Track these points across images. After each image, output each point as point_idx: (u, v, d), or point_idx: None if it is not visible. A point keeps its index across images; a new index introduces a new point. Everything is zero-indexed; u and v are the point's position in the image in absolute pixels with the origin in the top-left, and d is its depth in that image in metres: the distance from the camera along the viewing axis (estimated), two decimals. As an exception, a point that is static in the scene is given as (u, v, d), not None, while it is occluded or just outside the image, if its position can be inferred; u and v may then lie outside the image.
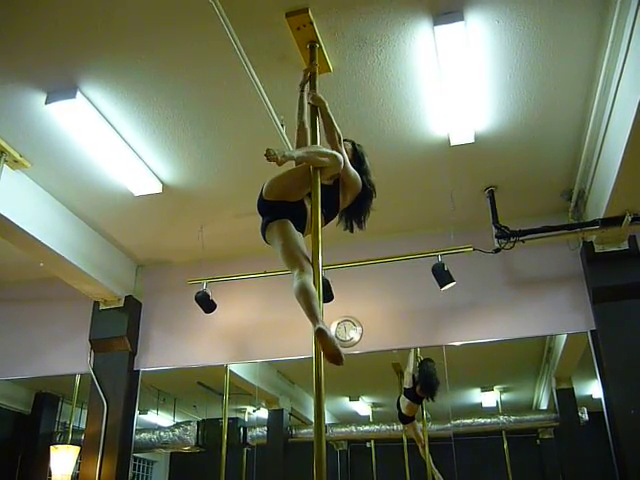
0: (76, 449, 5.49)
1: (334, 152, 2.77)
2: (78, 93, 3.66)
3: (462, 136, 4.09)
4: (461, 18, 3.16)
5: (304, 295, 2.44)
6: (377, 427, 6.14)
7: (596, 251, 4.68)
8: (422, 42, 3.34)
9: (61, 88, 3.66)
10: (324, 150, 2.78)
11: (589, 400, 5.53)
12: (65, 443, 5.91)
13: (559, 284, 4.93)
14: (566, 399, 5.57)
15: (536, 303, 4.92)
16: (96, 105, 3.80)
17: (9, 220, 4.35)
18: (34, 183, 4.64)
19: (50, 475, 5.48)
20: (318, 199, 2.68)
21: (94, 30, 3.27)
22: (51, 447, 5.52)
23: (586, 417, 5.56)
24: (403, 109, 3.88)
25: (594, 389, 5.13)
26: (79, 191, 4.76)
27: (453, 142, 4.14)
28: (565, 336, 5.13)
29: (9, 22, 3.19)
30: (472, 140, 4.12)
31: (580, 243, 4.78)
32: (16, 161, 4.29)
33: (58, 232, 4.87)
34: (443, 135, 4.11)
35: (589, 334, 4.76)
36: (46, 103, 3.72)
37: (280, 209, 2.72)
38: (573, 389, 5.55)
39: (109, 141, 4.09)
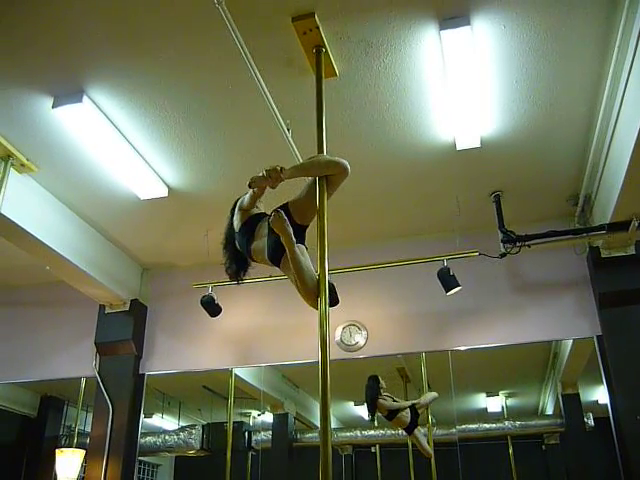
0: (81, 452, 5.50)
1: (336, 159, 2.76)
2: (84, 97, 3.67)
3: (468, 140, 4.09)
4: (467, 23, 3.16)
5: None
6: (382, 432, 6.12)
7: (602, 256, 4.67)
8: (428, 46, 3.34)
9: (68, 92, 3.67)
10: (325, 159, 2.80)
11: (595, 405, 5.51)
12: (70, 446, 5.92)
13: (565, 289, 4.92)
14: (572, 404, 5.55)
15: (542, 308, 4.91)
16: (102, 109, 3.81)
17: (16, 224, 4.36)
18: (41, 187, 4.66)
19: (55, 478, 5.48)
20: (324, 208, 2.71)
21: (100, 35, 3.29)
22: (56, 450, 5.53)
23: (592, 423, 5.54)
24: (409, 113, 3.88)
25: (600, 394, 5.12)
26: (85, 195, 4.77)
27: (459, 146, 4.14)
28: (571, 341, 5.12)
29: (16, 27, 3.21)
30: (478, 145, 4.12)
31: (586, 248, 4.77)
32: (23, 165, 4.31)
33: (64, 236, 4.88)
34: (449, 139, 4.11)
35: (595, 339, 4.74)
36: (53, 107, 3.74)
37: (303, 232, 2.81)
38: (579, 394, 5.54)
39: (115, 145, 4.11)
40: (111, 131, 3.97)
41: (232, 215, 3.04)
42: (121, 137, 4.05)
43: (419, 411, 5.42)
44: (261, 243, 2.79)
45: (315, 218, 2.76)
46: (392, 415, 5.29)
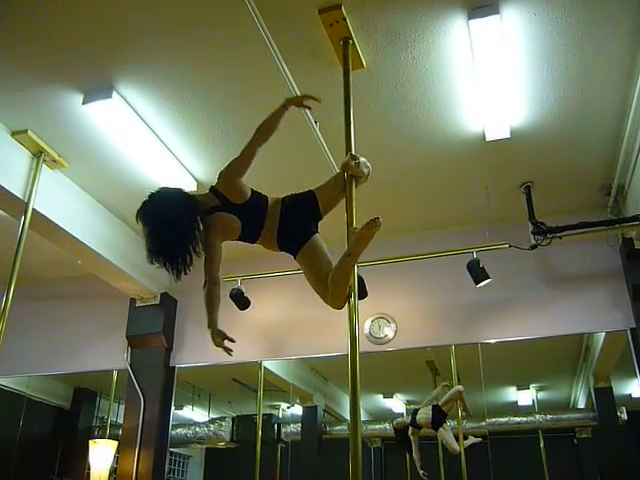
0: (114, 443, 5.57)
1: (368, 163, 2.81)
2: (114, 93, 3.71)
3: (497, 131, 4.04)
4: (496, 12, 3.12)
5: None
6: (411, 425, 6.11)
7: (636, 247, 4.59)
8: (457, 36, 3.31)
9: (98, 89, 3.71)
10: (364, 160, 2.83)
11: (628, 399, 5.43)
12: (103, 437, 6.01)
13: (597, 281, 4.84)
14: (604, 398, 5.48)
15: (574, 300, 4.84)
16: (132, 105, 3.85)
17: (48, 219, 4.43)
18: (72, 182, 4.73)
19: (89, 469, 5.57)
20: (353, 202, 2.72)
21: (129, 31, 3.32)
22: (90, 441, 5.61)
23: (625, 416, 5.46)
24: (437, 104, 3.85)
25: (634, 388, 5.04)
26: (115, 189, 4.83)
27: (488, 137, 4.09)
28: (603, 334, 5.04)
29: (47, 24, 3.25)
30: (508, 135, 4.06)
31: (619, 239, 4.69)
32: (54, 161, 4.38)
33: (96, 230, 4.95)
34: (478, 130, 4.07)
35: (629, 332, 4.67)
36: (83, 104, 3.79)
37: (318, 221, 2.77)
38: (612, 388, 5.46)
39: (144, 140, 4.15)
40: (140, 126, 4.01)
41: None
42: (150, 132, 4.09)
43: (444, 408, 5.43)
44: (273, 225, 2.64)
45: (340, 211, 2.76)
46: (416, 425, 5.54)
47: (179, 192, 2.61)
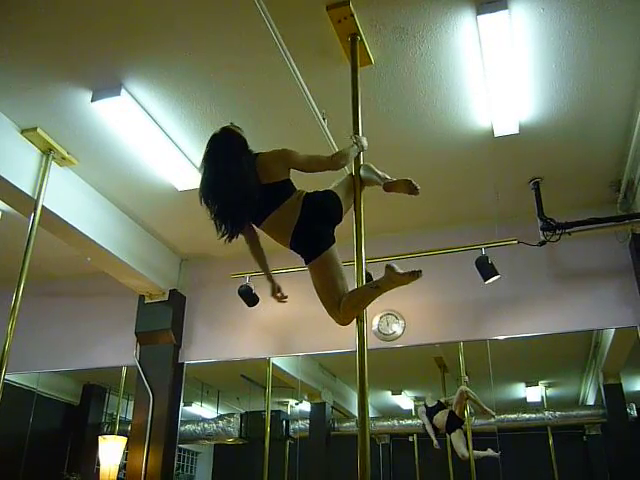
0: (123, 440, 5.61)
1: None
2: (123, 91, 3.71)
3: (506, 127, 4.02)
4: (505, 7, 3.10)
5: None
6: (420, 421, 6.12)
7: (645, 243, 4.57)
8: (465, 32, 3.29)
9: (106, 86, 3.72)
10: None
11: (638, 396, 5.41)
12: (112, 434, 6.05)
13: (607, 277, 4.82)
14: (614, 395, 5.47)
15: (583, 297, 4.82)
16: (140, 102, 3.85)
17: (57, 216, 4.45)
18: (81, 179, 4.74)
19: (98, 465, 5.61)
20: (361, 198, 2.73)
21: (137, 29, 3.32)
22: (99, 437, 5.65)
23: (635, 413, 5.46)
24: (446, 100, 3.84)
25: (643, 385, 5.03)
26: (124, 187, 4.84)
27: (497, 133, 4.07)
28: (613, 331, 5.02)
29: (55, 22, 3.26)
30: (516, 131, 4.05)
31: (629, 235, 4.66)
32: (64, 158, 4.39)
33: (105, 227, 4.96)
34: (487, 126, 4.05)
35: (638, 328, 4.64)
36: (92, 101, 3.79)
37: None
38: (621, 384, 5.45)
39: (153, 137, 4.15)
40: (149, 123, 4.01)
41: (244, 154, 2.62)
42: (159, 129, 4.09)
43: (456, 412, 5.45)
44: (290, 220, 2.53)
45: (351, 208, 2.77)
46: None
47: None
